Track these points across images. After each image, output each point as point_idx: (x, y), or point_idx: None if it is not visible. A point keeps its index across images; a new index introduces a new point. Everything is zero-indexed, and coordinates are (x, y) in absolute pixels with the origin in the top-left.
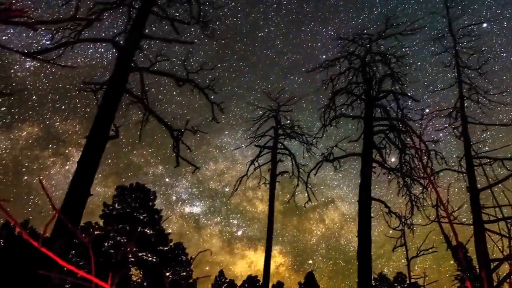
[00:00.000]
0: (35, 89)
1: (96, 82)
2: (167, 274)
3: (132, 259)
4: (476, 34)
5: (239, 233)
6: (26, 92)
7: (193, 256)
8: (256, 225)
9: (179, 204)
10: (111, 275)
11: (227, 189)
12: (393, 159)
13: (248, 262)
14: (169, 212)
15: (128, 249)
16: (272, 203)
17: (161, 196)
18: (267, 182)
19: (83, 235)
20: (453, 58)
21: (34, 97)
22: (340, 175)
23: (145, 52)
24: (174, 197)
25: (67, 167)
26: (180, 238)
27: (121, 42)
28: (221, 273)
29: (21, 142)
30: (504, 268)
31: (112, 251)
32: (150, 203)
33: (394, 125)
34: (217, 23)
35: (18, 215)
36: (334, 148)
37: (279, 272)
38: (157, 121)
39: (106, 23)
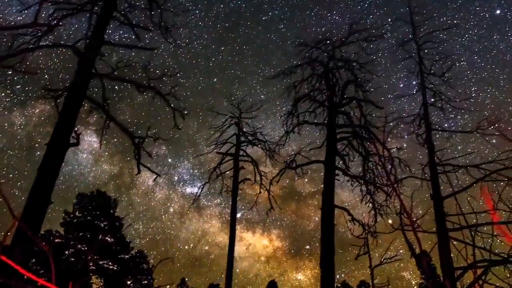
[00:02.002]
0: (47, 68)
1: (57, 88)
2: (128, 282)
3: (93, 267)
4: (440, 41)
5: (238, 215)
6: (39, 71)
7: (154, 265)
8: (255, 208)
9: (180, 184)
10: (72, 283)
11: (227, 172)
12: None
13: (246, 244)
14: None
15: (89, 257)
16: (234, 212)
17: (164, 176)
18: (229, 189)
19: (44, 243)
20: (417, 65)
21: (46, 76)
22: (340, 162)
23: (105, 58)
24: (176, 178)
25: None
26: (181, 218)
27: (82, 48)
28: (183, 281)
29: (34, 119)
30: (468, 276)
31: (72, 259)
32: (111, 211)
33: (358, 132)
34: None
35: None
36: (297, 155)
37: (277, 256)
38: (120, 129)
39: (64, 27)
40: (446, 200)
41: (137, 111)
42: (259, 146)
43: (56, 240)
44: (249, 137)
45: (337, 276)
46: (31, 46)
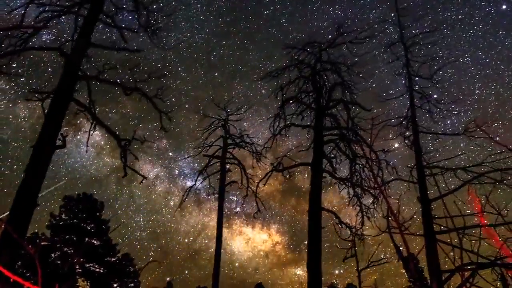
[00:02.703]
0: (50, 61)
1: (43, 91)
2: (115, 285)
3: (79, 270)
4: (427, 43)
5: (238, 209)
6: (42, 64)
7: (141, 267)
8: (254, 203)
9: (181, 178)
10: (58, 286)
11: (228, 166)
12: (343, 169)
13: (245, 239)
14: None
15: (75, 260)
16: (221, 215)
17: (165, 169)
18: (216, 192)
19: (30, 245)
20: (404, 67)
21: (49, 69)
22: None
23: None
24: (176, 171)
25: (78, 136)
26: (181, 211)
27: (68, 50)
28: (169, 284)
29: (38, 111)
30: (456, 279)
31: (59, 262)
32: (98, 214)
33: (344, 134)
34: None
35: None
36: (284, 157)
37: (276, 251)
38: (106, 131)
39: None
40: (433, 202)
41: (138, 104)
42: (246, 148)
43: (42, 243)
44: (236, 140)
45: (336, 272)
46: (17, 48)
